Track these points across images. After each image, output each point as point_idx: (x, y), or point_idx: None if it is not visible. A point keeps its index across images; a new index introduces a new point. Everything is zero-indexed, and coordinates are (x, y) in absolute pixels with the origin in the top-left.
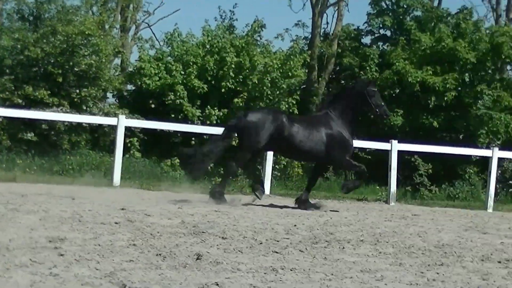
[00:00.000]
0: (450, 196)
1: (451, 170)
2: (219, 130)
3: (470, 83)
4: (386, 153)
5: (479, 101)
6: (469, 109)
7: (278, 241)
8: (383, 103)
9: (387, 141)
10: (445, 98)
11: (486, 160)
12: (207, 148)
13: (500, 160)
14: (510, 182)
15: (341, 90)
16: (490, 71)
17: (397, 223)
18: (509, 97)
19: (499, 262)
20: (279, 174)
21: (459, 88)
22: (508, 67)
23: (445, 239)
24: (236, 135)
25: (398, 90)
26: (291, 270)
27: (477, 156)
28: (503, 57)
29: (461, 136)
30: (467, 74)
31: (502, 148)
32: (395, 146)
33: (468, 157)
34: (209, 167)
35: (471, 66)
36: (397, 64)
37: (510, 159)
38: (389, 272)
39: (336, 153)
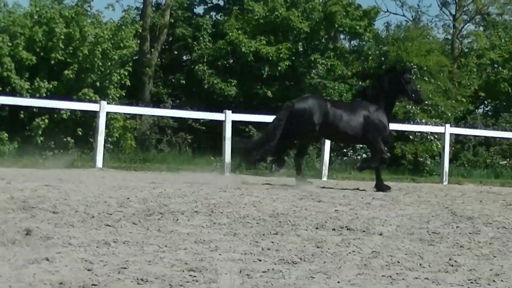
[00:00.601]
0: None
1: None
2: (49, 103)
3: (303, 52)
4: (221, 124)
5: (313, 71)
6: (303, 78)
7: (110, 214)
8: (418, 89)
9: (221, 112)
10: (279, 68)
11: None
12: (261, 140)
13: None
14: (344, 150)
15: (379, 77)
16: (323, 40)
17: (231, 194)
18: (343, 66)
19: (333, 229)
20: (112, 146)
21: (293, 58)
22: (341, 36)
23: (280, 208)
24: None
25: (231, 60)
26: (124, 243)
27: None
28: (336, 26)
29: None
30: (300, 44)
31: None
32: (229, 117)
33: None
34: (267, 157)
35: (305, 36)
36: (230, 34)
37: None
38: (224, 243)
39: (371, 136)
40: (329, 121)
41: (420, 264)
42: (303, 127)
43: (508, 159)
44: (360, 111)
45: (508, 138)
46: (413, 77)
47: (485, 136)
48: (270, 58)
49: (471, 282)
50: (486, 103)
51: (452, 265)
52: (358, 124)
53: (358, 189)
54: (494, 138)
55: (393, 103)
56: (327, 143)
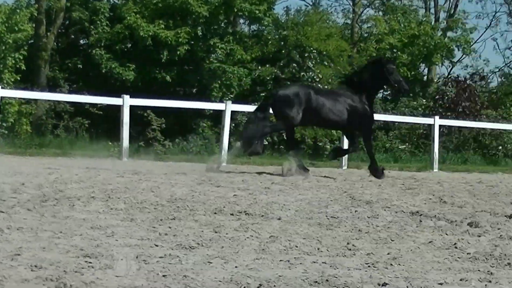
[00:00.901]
0: (184, 150)
1: (184, 125)
2: None
3: (203, 36)
4: (118, 108)
5: (212, 55)
6: (202, 63)
7: (4, 200)
8: (401, 79)
9: (119, 96)
10: (178, 52)
11: (219, 114)
12: (249, 130)
13: (234, 113)
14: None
15: (363, 67)
16: (223, 25)
17: (129, 179)
18: (242, 50)
19: (232, 214)
20: (6, 132)
21: (192, 42)
22: (241, 21)
23: (178, 193)
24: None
25: (130, 45)
26: (17, 229)
27: (210, 109)
28: (236, 10)
29: (194, 90)
30: (199, 28)
31: (235, 101)
32: (127, 101)
33: (202, 111)
34: (262, 144)
35: (204, 20)
36: (128, 18)
37: (243, 112)
38: (120, 228)
39: (358, 122)
40: (312, 107)
41: (318, 249)
42: (287, 113)
43: (407, 144)
44: (343, 98)
45: (407, 123)
46: (395, 68)
47: (384, 121)
48: (169, 42)
49: (369, 266)
50: (385, 87)
51: (350, 249)
52: (341, 110)
53: (257, 173)
54: (393, 122)
55: (375, 93)
56: (226, 128)
